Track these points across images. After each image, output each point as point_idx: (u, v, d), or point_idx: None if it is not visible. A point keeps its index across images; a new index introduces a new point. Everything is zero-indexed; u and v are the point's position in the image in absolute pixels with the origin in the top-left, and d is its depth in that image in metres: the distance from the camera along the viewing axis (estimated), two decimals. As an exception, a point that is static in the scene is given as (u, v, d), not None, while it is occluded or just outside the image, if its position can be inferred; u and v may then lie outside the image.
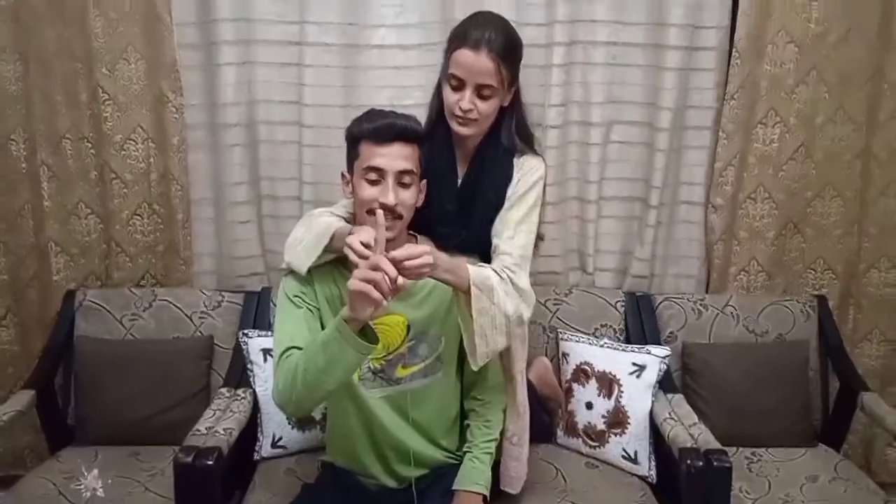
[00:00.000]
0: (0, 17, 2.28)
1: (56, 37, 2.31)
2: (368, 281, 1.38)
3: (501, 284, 1.62)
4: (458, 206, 1.76)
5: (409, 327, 1.69)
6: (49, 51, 2.31)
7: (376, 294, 1.38)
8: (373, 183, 1.57)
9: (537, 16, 2.31)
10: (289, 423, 2.17)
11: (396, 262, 1.41)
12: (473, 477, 1.76)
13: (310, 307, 1.64)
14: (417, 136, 1.61)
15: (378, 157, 1.56)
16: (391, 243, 1.49)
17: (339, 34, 2.33)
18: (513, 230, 1.71)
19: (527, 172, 1.74)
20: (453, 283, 1.58)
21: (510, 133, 1.76)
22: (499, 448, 1.85)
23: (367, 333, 1.47)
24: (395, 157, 1.56)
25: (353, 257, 1.48)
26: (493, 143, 1.76)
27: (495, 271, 1.63)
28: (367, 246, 1.47)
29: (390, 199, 1.55)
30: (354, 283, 1.39)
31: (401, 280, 1.41)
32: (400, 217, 1.59)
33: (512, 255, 1.68)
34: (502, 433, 1.85)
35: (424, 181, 1.67)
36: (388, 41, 2.34)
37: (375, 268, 1.38)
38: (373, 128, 1.57)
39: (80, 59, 2.33)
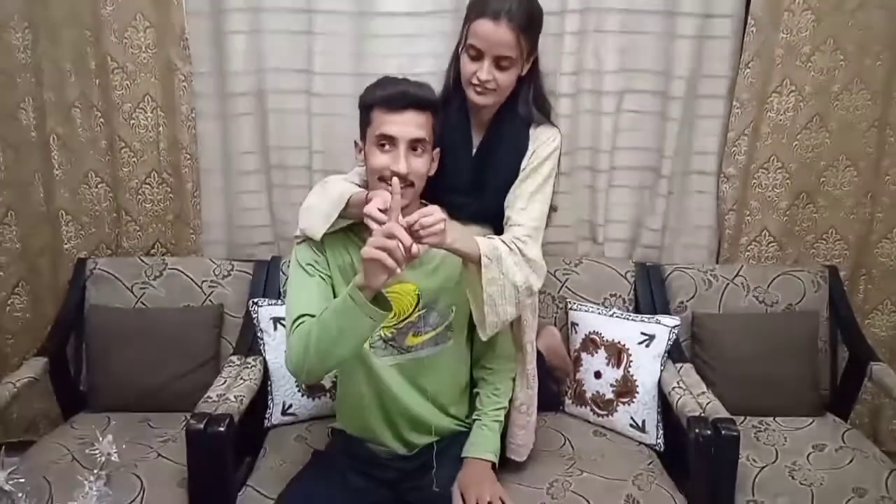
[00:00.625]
0: (8, -16, 2.27)
1: (64, 4, 2.29)
2: (382, 249, 1.38)
3: (510, 255, 1.62)
4: (472, 175, 1.75)
5: (419, 296, 1.70)
6: (57, 19, 2.30)
7: (390, 262, 1.38)
8: (385, 151, 1.56)
9: (550, -18, 2.28)
10: (298, 391, 2.19)
11: (410, 227, 1.42)
12: (483, 444, 1.77)
13: (322, 275, 1.64)
14: (431, 105, 1.59)
15: (390, 125, 1.55)
16: (404, 211, 1.49)
17: (349, 1, 2.30)
18: (526, 201, 1.70)
19: (542, 143, 1.73)
20: (463, 252, 1.58)
21: (527, 103, 1.74)
22: (507, 416, 1.86)
23: (379, 301, 1.47)
24: (408, 124, 1.55)
25: (373, 225, 1.46)
26: (510, 113, 1.74)
27: (504, 242, 1.63)
28: (382, 211, 1.45)
29: (402, 168, 1.54)
30: (368, 250, 1.39)
31: (415, 248, 1.41)
32: (412, 185, 1.58)
33: (524, 226, 1.67)
34: (511, 401, 1.86)
35: (438, 150, 1.65)
36: (399, 8, 2.31)
37: (390, 235, 1.39)
38: (385, 95, 1.56)
39: (89, 26, 2.31)
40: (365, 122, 1.61)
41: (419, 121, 1.56)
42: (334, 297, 1.64)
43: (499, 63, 1.63)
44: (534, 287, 1.68)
